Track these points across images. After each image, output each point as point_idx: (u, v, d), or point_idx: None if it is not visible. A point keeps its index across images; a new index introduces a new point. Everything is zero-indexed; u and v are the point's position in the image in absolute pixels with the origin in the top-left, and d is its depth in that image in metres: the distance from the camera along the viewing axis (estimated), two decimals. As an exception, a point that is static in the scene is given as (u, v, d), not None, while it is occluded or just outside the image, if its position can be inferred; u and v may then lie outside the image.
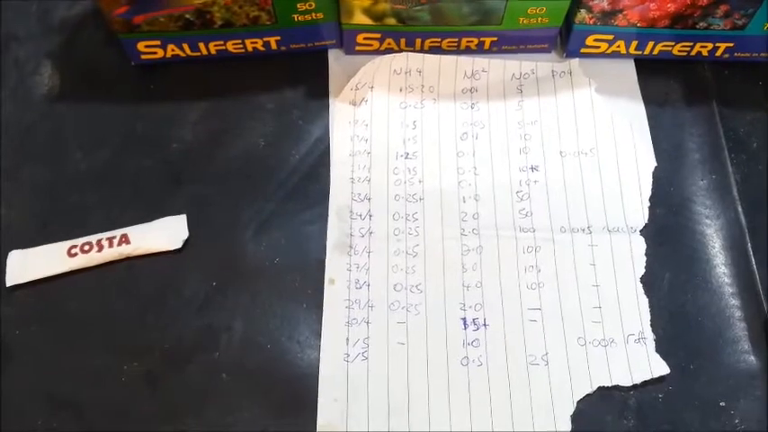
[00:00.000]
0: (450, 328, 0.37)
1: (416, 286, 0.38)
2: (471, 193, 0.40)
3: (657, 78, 0.44)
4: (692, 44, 0.43)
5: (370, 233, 0.39)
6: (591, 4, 0.40)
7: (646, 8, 0.40)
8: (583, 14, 0.41)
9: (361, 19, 0.41)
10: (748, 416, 0.35)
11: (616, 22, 0.41)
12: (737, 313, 0.37)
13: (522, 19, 0.41)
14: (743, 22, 0.40)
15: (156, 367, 0.36)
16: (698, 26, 0.41)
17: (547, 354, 0.36)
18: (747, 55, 0.43)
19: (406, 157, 0.41)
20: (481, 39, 0.43)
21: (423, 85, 0.43)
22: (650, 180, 0.41)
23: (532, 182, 0.41)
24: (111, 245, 0.38)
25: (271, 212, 0.40)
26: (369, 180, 0.40)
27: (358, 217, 0.39)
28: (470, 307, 0.37)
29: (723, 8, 0.40)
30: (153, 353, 0.36)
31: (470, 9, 0.40)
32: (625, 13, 0.40)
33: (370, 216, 0.39)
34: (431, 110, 0.43)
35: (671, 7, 0.40)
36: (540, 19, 0.41)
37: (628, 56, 0.44)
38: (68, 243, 0.38)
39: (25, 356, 0.36)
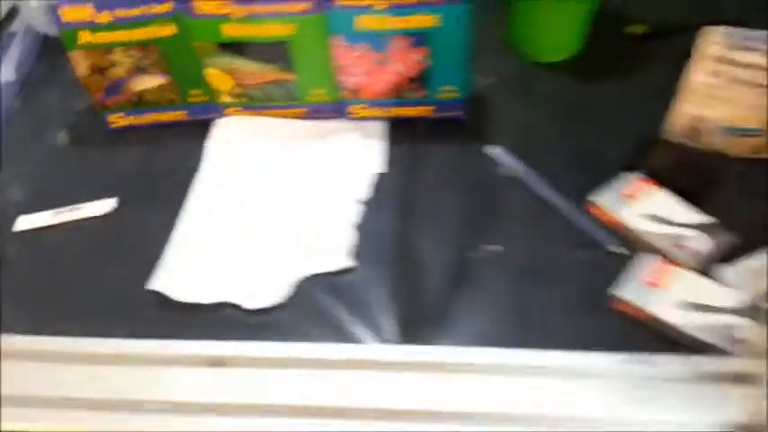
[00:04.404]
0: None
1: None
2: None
3: (402, 129, 0.75)
4: (412, 107, 0.75)
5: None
6: (344, 83, 0.73)
7: (378, 84, 0.73)
8: (343, 92, 0.74)
9: (227, 99, 0.76)
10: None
11: (365, 96, 0.74)
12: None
13: (308, 97, 0.75)
14: (427, 92, 0.73)
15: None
16: (413, 96, 0.74)
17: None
18: (450, 114, 0.75)
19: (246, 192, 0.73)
20: (300, 109, 0.77)
21: (263, 140, 0.76)
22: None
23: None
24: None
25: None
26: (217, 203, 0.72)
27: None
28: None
29: (419, 85, 0.72)
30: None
31: (280, 92, 0.74)
32: (367, 88, 0.73)
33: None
34: (265, 158, 0.75)
35: (391, 84, 0.73)
36: (321, 96, 0.75)
37: (376, 119, 0.76)
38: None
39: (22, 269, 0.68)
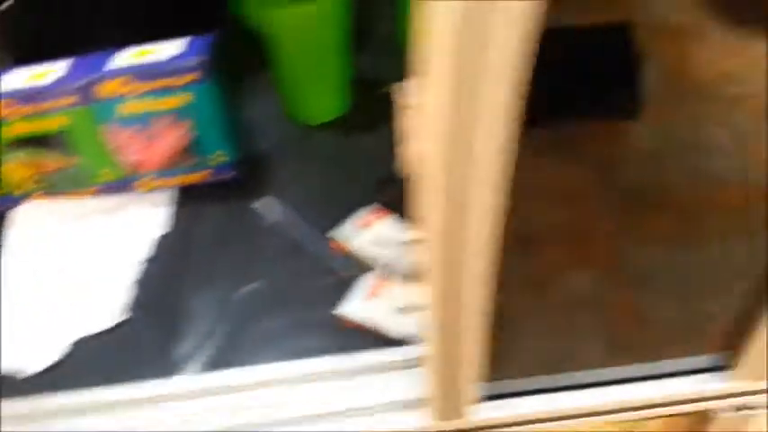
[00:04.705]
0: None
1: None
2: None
3: (187, 193, 0.85)
4: (190, 174, 0.85)
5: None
6: (124, 161, 0.83)
7: (154, 158, 0.83)
8: (125, 169, 0.84)
9: (26, 188, 0.85)
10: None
11: (145, 169, 0.84)
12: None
13: (96, 178, 0.84)
14: (199, 160, 0.83)
15: None
16: (188, 164, 0.84)
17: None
18: (224, 176, 0.85)
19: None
20: (91, 189, 0.86)
21: (57, 222, 0.85)
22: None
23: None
24: None
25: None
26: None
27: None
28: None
29: (190, 154, 0.83)
30: None
31: (70, 176, 0.84)
32: (145, 163, 0.83)
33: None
34: (57, 238, 0.83)
35: (165, 157, 0.83)
36: (108, 176, 0.84)
37: (161, 188, 0.86)
38: None
39: None
